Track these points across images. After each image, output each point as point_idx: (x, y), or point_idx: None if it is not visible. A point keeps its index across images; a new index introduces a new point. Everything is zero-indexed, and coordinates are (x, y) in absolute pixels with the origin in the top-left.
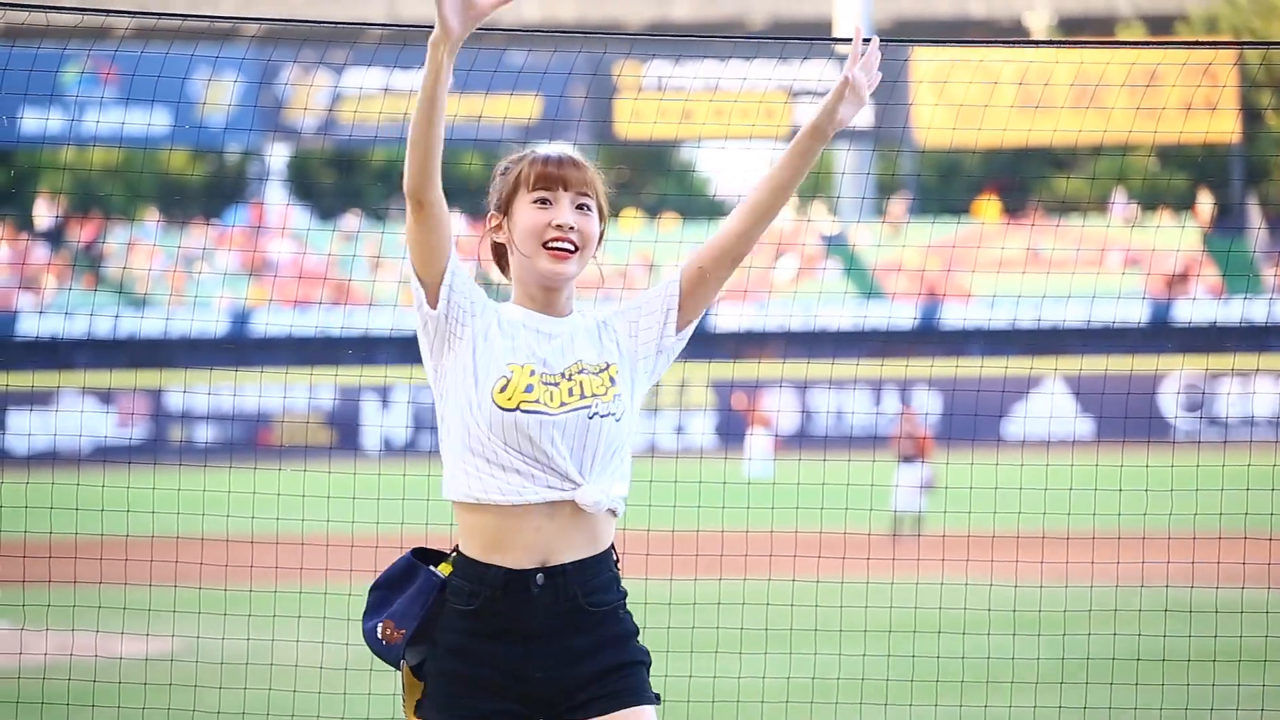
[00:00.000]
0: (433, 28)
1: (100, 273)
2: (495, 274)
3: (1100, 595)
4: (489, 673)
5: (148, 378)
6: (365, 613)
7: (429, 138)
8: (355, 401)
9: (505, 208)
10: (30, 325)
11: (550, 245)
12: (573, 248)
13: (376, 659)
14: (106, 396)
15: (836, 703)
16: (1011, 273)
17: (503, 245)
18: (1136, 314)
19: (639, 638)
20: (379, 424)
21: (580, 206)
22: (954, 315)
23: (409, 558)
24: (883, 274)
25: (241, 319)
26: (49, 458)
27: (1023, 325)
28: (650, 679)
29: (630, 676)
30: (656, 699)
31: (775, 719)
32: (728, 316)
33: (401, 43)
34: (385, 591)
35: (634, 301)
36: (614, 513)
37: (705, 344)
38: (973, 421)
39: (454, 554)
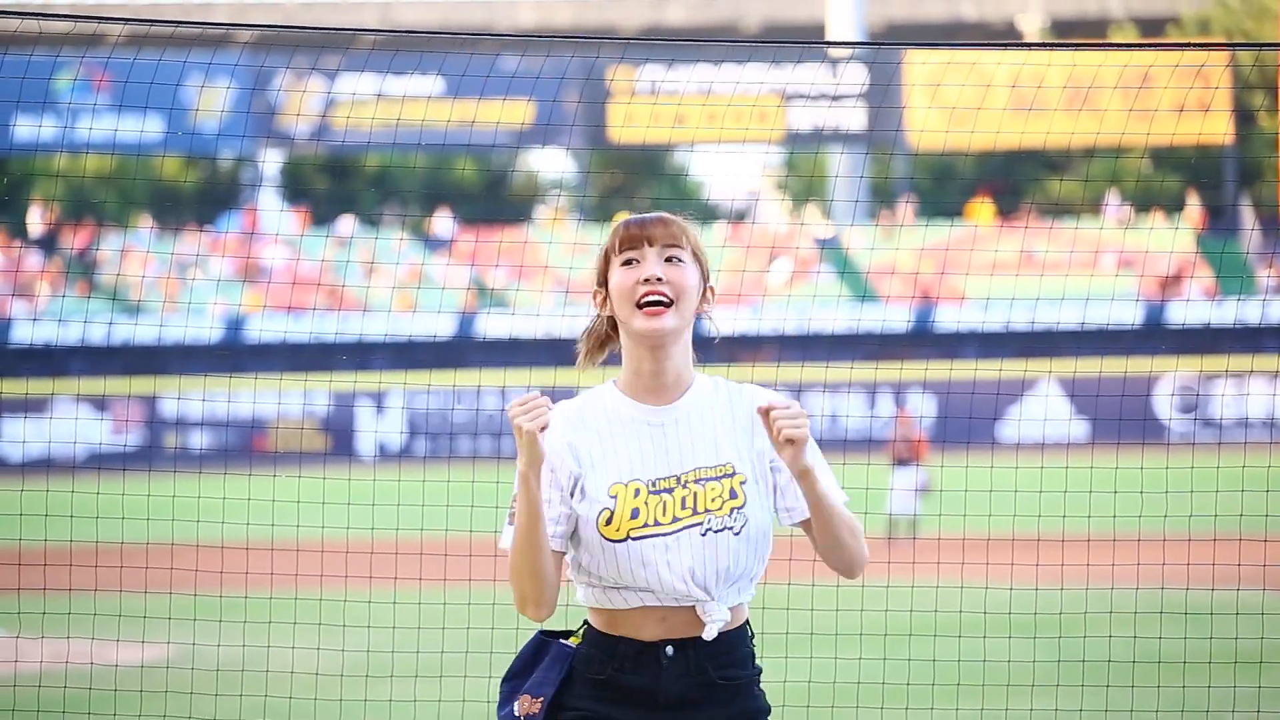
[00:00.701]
0: (425, 33)
1: (94, 280)
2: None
3: (1096, 598)
4: None
5: (142, 384)
6: (499, 703)
7: (537, 567)
8: (350, 407)
9: (603, 281)
10: (24, 332)
11: (643, 303)
12: (667, 299)
13: (373, 666)
14: (101, 403)
15: (833, 706)
16: (1005, 275)
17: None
18: (1130, 316)
19: (770, 716)
20: (374, 429)
21: (670, 259)
22: (948, 318)
23: (538, 637)
24: (877, 277)
25: (235, 325)
26: (43, 465)
27: (1017, 328)
28: None
29: None
30: None
31: None
32: (722, 320)
33: (395, 49)
34: (516, 680)
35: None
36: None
37: (699, 348)
38: (967, 424)
39: (583, 627)
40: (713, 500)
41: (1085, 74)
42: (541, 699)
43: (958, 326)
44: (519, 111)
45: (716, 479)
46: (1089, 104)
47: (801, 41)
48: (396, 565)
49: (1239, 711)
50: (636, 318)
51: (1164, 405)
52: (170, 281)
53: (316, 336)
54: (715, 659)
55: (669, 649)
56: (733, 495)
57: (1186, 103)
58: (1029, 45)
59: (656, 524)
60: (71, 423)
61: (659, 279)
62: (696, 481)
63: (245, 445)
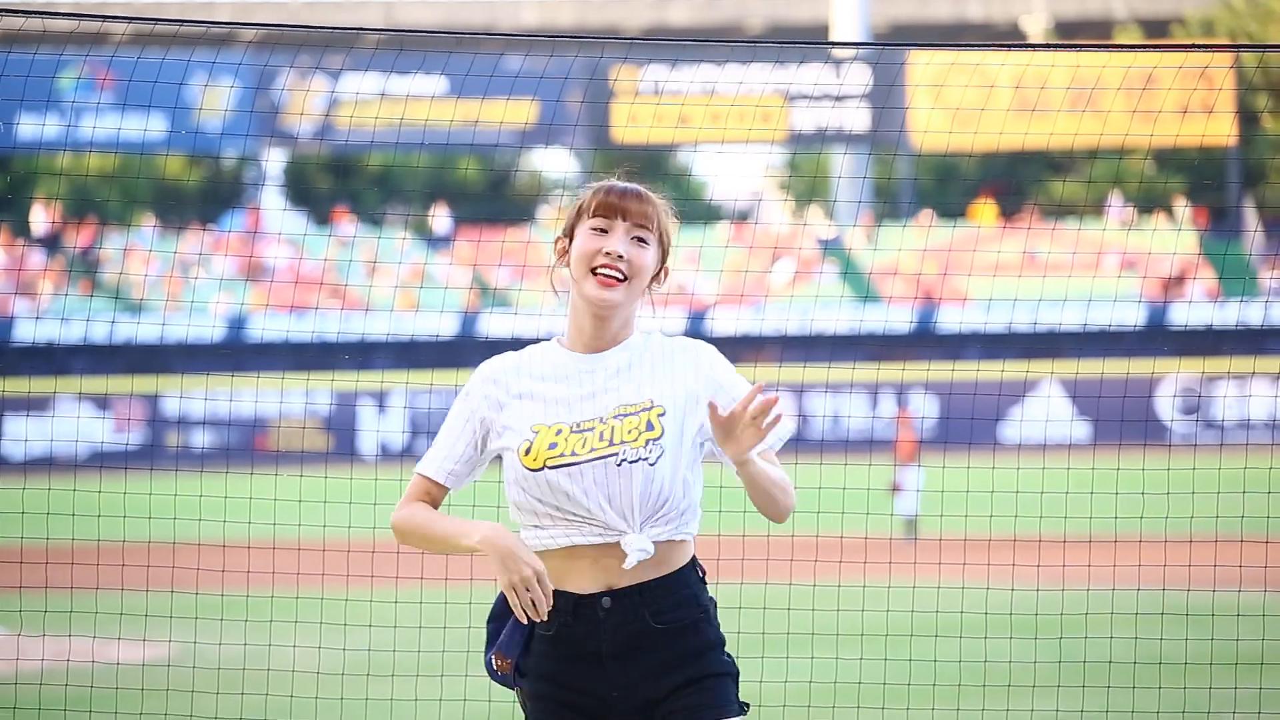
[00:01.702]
0: (428, 32)
1: (96, 278)
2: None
3: (1097, 599)
4: (572, 695)
5: (144, 383)
6: (485, 645)
7: (417, 544)
8: (352, 406)
9: (570, 233)
10: (27, 331)
11: (598, 270)
12: (621, 276)
13: (375, 665)
14: (103, 402)
15: (834, 707)
16: (1008, 276)
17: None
18: (1133, 317)
19: (725, 647)
20: (375, 429)
21: (637, 239)
22: (950, 319)
23: None
24: (879, 278)
25: (238, 324)
26: (45, 463)
27: (1019, 328)
28: (737, 689)
29: (710, 690)
30: (743, 709)
31: None
32: (724, 320)
33: (398, 47)
34: (497, 623)
35: (733, 380)
36: (680, 540)
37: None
38: (969, 425)
39: None
40: (629, 433)
41: (1089, 75)
42: (511, 659)
43: (960, 327)
44: (522, 111)
45: (635, 414)
46: (1092, 105)
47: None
48: (398, 564)
49: (1240, 713)
50: (589, 282)
51: (1166, 407)
52: (173, 280)
53: (319, 336)
54: (652, 605)
55: (606, 600)
56: (649, 427)
57: (1190, 104)
58: (1033, 46)
59: (573, 454)
60: (74, 421)
61: (620, 256)
62: (616, 417)
63: (247, 444)
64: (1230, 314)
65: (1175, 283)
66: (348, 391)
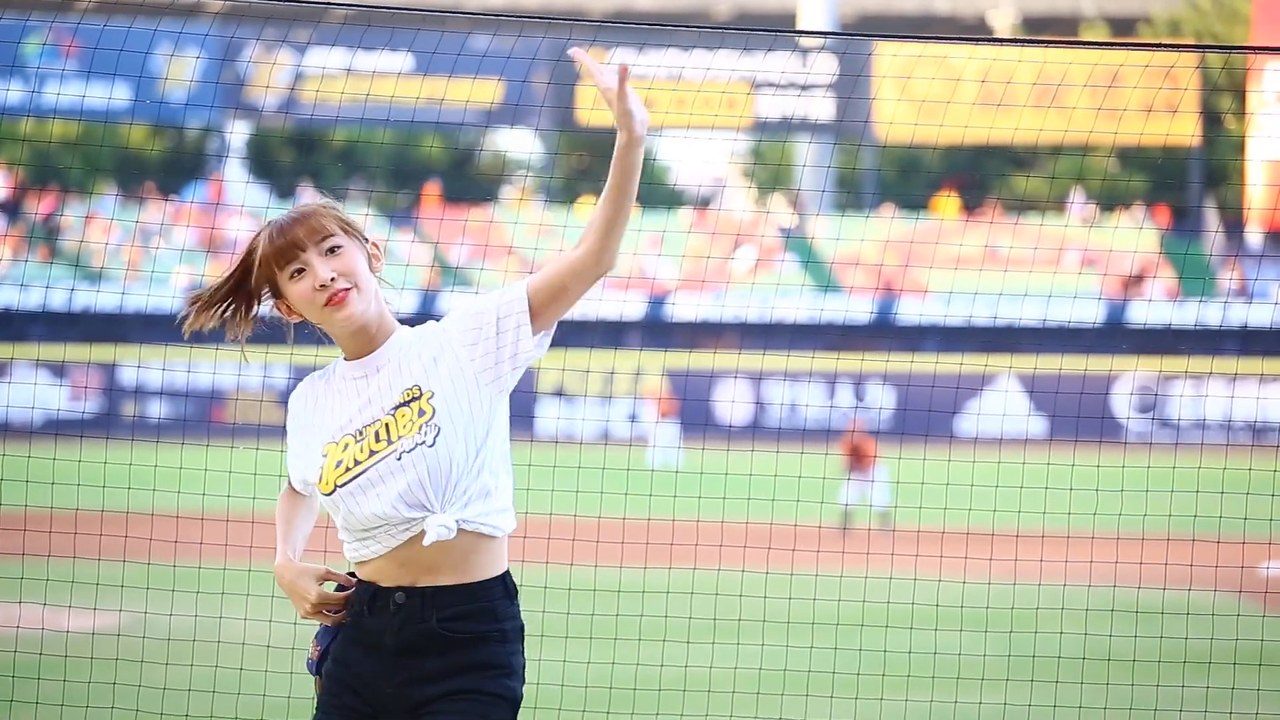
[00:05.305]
0: (396, 9)
1: (56, 245)
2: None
3: (1048, 594)
4: (357, 682)
5: (102, 352)
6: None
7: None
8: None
9: (277, 292)
10: None
11: (329, 304)
12: (346, 287)
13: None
14: (60, 370)
15: (783, 694)
16: (969, 269)
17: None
18: (1092, 314)
19: (515, 678)
20: None
21: (330, 250)
22: (910, 310)
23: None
24: (840, 268)
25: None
26: (0, 429)
27: (978, 322)
28: (512, 717)
29: (467, 709)
30: None
31: (721, 709)
32: (684, 306)
33: (365, 23)
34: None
35: (477, 306)
36: (487, 535)
37: (661, 333)
38: (926, 417)
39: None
40: (404, 425)
41: (1055, 71)
42: (319, 647)
43: (919, 319)
44: (488, 91)
45: (406, 404)
46: (1057, 101)
47: (772, 29)
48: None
49: (1186, 711)
50: (329, 316)
51: (1122, 404)
52: (133, 250)
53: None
54: (442, 608)
55: (399, 595)
56: (420, 414)
57: (1154, 104)
58: (1000, 41)
59: (356, 464)
60: (30, 388)
61: (332, 279)
62: (390, 413)
63: (204, 416)
64: (1189, 314)
65: (1135, 281)
66: (306, 365)
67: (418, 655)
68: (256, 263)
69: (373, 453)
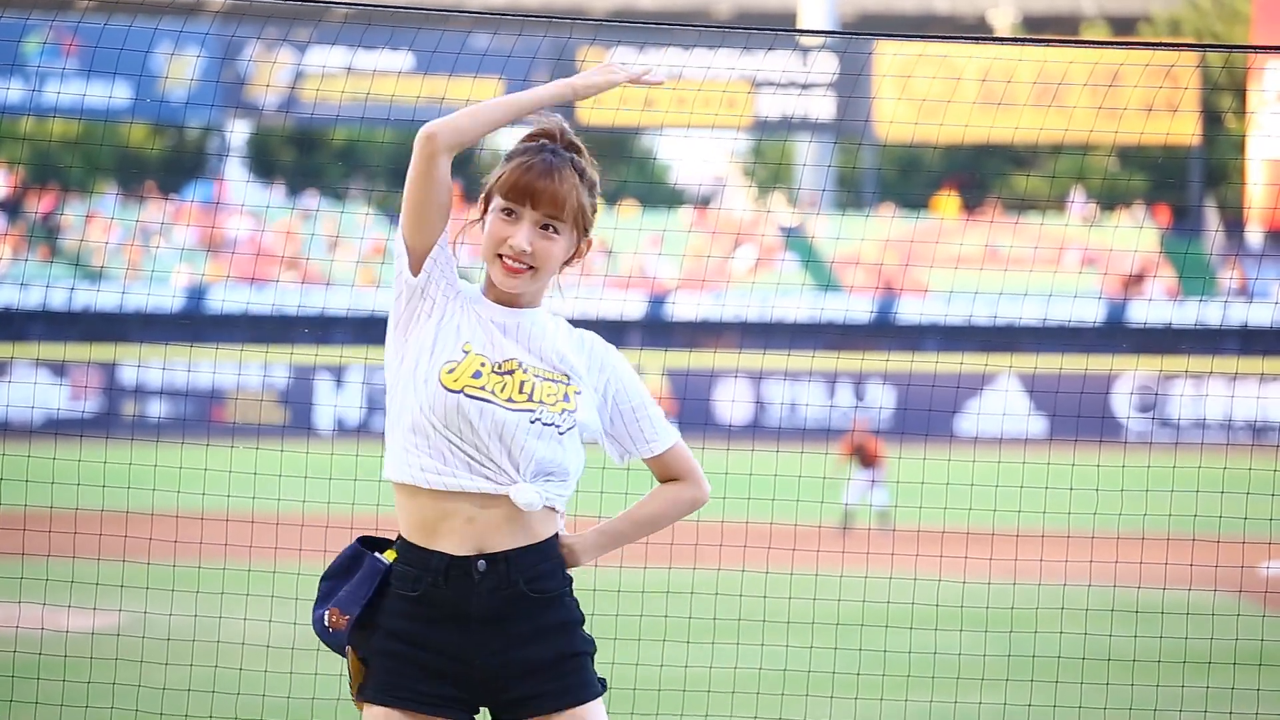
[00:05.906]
0: (397, 8)
1: (56, 245)
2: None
3: (1048, 593)
4: (430, 656)
5: (102, 351)
6: (315, 602)
7: (496, 126)
8: (309, 381)
9: (488, 200)
10: None
11: (503, 265)
12: (530, 266)
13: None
14: (60, 369)
15: (783, 694)
16: (969, 269)
17: None
18: (1092, 313)
19: (584, 625)
20: (333, 404)
21: (546, 227)
22: (910, 310)
23: (354, 546)
24: (840, 267)
25: (198, 295)
26: (0, 429)
27: (978, 322)
28: (595, 667)
29: (577, 671)
30: (603, 687)
31: (721, 709)
32: (684, 305)
33: (365, 22)
34: (333, 581)
35: (643, 396)
36: (554, 509)
37: (661, 333)
38: (926, 417)
39: (398, 540)
40: (548, 396)
41: (1055, 70)
42: (349, 616)
43: (919, 319)
44: (489, 90)
45: (554, 381)
46: (1058, 100)
47: (772, 29)
48: (351, 540)
49: (1186, 711)
50: (496, 266)
51: (1123, 404)
52: (133, 249)
53: (278, 309)
54: (526, 571)
55: (481, 563)
56: (566, 399)
57: (1155, 103)
58: (1000, 40)
59: (493, 394)
60: (29, 387)
61: (524, 251)
62: (536, 376)
63: (203, 415)
64: (1189, 313)
65: (1135, 280)
66: (306, 365)
67: (506, 621)
68: (495, 176)
69: (511, 399)
